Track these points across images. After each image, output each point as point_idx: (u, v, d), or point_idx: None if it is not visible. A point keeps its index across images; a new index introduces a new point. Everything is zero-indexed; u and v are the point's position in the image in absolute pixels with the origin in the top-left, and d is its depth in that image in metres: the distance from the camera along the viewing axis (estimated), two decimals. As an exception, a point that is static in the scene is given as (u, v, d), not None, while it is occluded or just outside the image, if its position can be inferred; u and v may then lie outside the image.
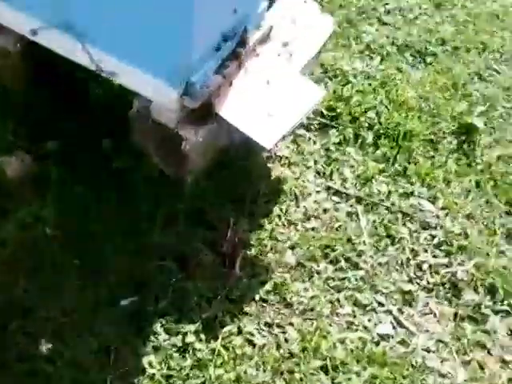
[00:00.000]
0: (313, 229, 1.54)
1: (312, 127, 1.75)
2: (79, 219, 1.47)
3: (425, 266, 1.52)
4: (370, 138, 1.75)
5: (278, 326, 1.37)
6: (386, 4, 2.13)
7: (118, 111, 1.53)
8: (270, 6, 1.59)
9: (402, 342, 1.38)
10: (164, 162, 1.50)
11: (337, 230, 1.55)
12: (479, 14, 2.20)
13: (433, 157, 1.76)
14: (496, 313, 1.46)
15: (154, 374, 1.26)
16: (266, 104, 1.40)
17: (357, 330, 1.38)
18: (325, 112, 1.76)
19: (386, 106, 1.83)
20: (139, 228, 1.47)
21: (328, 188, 1.64)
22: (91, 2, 1.29)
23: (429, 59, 2.01)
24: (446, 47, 2.06)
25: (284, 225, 1.55)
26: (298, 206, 1.59)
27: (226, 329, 1.33)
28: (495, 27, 2.16)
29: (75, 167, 1.54)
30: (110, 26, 1.29)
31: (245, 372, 1.28)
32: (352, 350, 1.34)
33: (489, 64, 2.04)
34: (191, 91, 1.32)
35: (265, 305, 1.40)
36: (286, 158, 1.67)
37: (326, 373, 1.30)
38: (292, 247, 1.50)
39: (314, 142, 1.73)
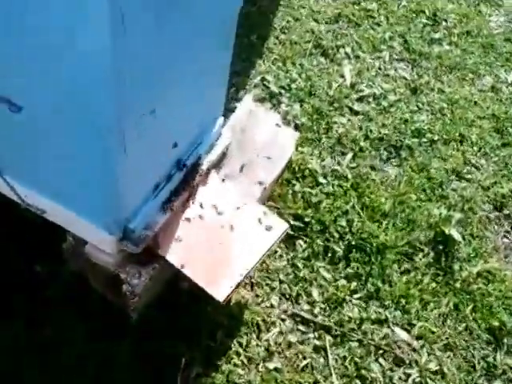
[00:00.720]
0: (276, 369, 1.37)
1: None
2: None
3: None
4: (340, 251, 1.60)
5: None
6: (359, 91, 1.99)
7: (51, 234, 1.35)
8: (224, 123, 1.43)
9: None
10: (105, 293, 1.32)
11: (303, 370, 1.38)
12: (457, 99, 2.07)
13: (408, 272, 1.62)
14: None
15: None
16: (219, 247, 1.24)
17: None
18: (292, 222, 1.61)
19: (359, 213, 1.68)
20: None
21: (294, 315, 1.48)
22: (10, 138, 1.11)
23: (404, 154, 1.87)
24: (423, 139, 1.92)
25: (243, 364, 1.37)
26: (260, 339, 1.41)
27: None
28: (473, 115, 2.04)
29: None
30: (33, 162, 1.11)
31: None
32: None
33: (467, 159, 1.92)
34: (131, 236, 1.16)
35: None
36: (250, 277, 1.51)
37: None
38: (252, 393, 1.33)
39: (281, 257, 1.57)
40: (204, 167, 1.30)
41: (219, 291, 1.17)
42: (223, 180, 1.32)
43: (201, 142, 1.30)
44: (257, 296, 1.47)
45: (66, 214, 1.16)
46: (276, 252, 1.56)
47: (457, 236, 1.64)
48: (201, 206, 1.28)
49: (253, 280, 1.49)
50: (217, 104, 1.33)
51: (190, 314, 1.39)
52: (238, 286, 1.21)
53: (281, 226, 1.29)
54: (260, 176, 1.40)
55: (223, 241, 1.25)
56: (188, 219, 1.26)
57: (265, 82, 1.91)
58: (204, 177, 1.30)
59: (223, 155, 1.38)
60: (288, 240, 1.59)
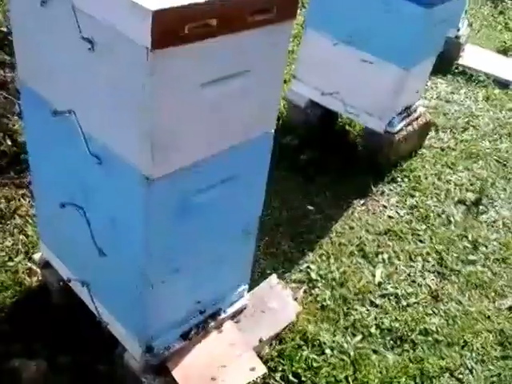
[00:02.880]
0: None
1: (277, 392, 2.00)
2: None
3: None
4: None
5: None
6: (384, 289, 2.41)
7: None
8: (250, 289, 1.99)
9: None
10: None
11: None
12: (471, 312, 2.37)
13: None
14: None
15: None
16: (211, 371, 1.71)
17: None
18: (291, 378, 2.02)
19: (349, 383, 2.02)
20: None
21: None
22: (96, 268, 1.79)
23: (407, 346, 2.20)
24: (428, 338, 2.24)
25: None
26: None
27: None
28: (483, 327, 2.30)
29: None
30: (105, 287, 1.76)
31: None
32: None
33: (464, 362, 2.16)
34: (152, 351, 1.70)
35: None
36: (244, 409, 1.92)
37: None
38: None
39: (274, 403, 1.96)
40: (222, 316, 1.84)
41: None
42: (235, 324, 1.84)
43: (223, 299, 1.85)
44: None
45: (117, 327, 1.76)
46: (273, 398, 1.96)
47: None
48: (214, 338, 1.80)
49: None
50: (240, 277, 1.90)
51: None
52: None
53: (261, 370, 1.74)
54: (261, 333, 1.89)
55: (220, 369, 1.72)
56: (200, 345, 1.78)
57: (308, 270, 2.44)
58: (220, 322, 1.83)
59: (240, 311, 1.91)
60: (286, 395, 1.98)
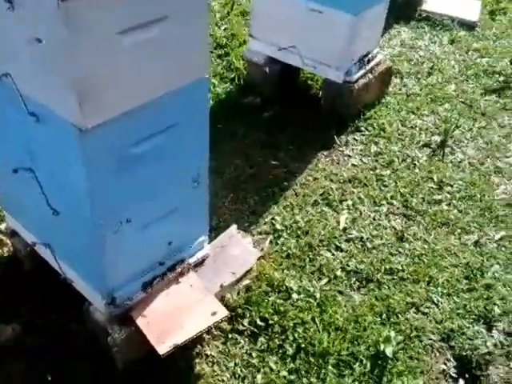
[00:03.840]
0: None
1: (245, 333, 2.07)
2: None
3: None
4: (291, 350, 2.02)
5: None
6: (349, 234, 2.48)
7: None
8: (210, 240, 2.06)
9: None
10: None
11: (228, 429, 1.79)
12: (437, 249, 2.45)
13: (343, 376, 1.96)
14: None
15: None
16: (177, 318, 1.78)
17: None
18: (258, 322, 2.09)
19: (316, 324, 2.10)
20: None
21: (237, 391, 1.91)
22: (54, 228, 1.84)
23: (372, 286, 2.28)
24: (394, 277, 2.32)
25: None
26: (206, 403, 1.87)
27: None
28: (448, 263, 2.38)
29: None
30: (65, 245, 1.81)
31: None
32: None
33: (430, 297, 2.25)
34: (115, 302, 1.76)
35: None
36: (213, 356, 1.99)
37: None
38: None
39: (242, 346, 2.03)
40: (183, 266, 1.90)
41: (162, 348, 1.70)
42: (195, 273, 1.91)
43: (182, 250, 1.91)
44: (213, 371, 1.94)
45: (81, 283, 1.82)
46: (239, 342, 2.03)
47: (389, 353, 1.96)
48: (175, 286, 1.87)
49: (214, 358, 1.97)
50: (197, 229, 1.96)
51: (165, 376, 1.90)
52: (176, 347, 1.73)
53: (222, 313, 1.81)
54: (222, 279, 1.96)
55: (182, 315, 1.79)
56: (162, 294, 1.85)
57: (273, 221, 2.51)
58: (182, 272, 1.90)
59: (202, 261, 1.97)
60: (252, 335, 2.06)
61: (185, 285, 1.87)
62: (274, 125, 3.14)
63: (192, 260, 1.93)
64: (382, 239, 2.48)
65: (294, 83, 3.44)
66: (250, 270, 2.12)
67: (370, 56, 3.24)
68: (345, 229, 2.51)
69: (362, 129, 3.15)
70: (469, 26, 4.40)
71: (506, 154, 3.05)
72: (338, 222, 2.54)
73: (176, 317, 1.78)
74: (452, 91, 3.59)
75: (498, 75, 3.77)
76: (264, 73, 3.34)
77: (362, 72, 3.16)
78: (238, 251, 2.06)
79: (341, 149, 3.03)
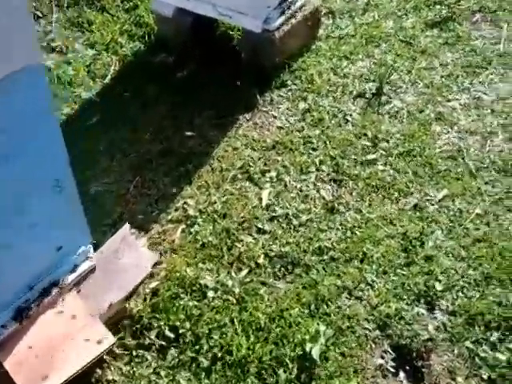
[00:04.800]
0: None
1: (153, 347, 1.81)
2: None
3: None
4: (205, 362, 1.77)
5: None
6: (273, 211, 2.20)
7: None
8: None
9: None
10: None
11: None
12: (372, 218, 2.18)
13: (267, 385, 1.73)
14: None
15: None
16: (50, 353, 1.50)
17: None
18: (167, 333, 1.82)
19: (235, 327, 1.84)
20: None
21: (142, 418, 1.66)
22: None
23: (299, 271, 2.01)
24: (323, 257, 2.05)
25: None
26: None
27: None
28: (384, 234, 2.12)
29: None
30: None
31: None
32: None
33: (364, 277, 2.00)
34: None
35: None
36: (115, 381, 1.73)
37: None
38: None
39: (149, 365, 1.77)
40: (60, 287, 1.60)
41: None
42: (78, 293, 1.61)
43: (58, 267, 1.61)
44: (116, 398, 1.69)
45: None
46: (146, 360, 1.77)
47: (316, 355, 1.73)
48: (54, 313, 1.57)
49: (117, 384, 1.72)
50: (73, 239, 1.65)
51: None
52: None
53: (109, 340, 1.53)
54: (110, 297, 1.67)
55: (60, 348, 1.51)
56: (36, 324, 1.55)
57: (185, 206, 2.20)
58: (60, 294, 1.60)
59: (86, 276, 1.67)
60: (161, 350, 1.80)
61: (64, 311, 1.58)
62: (189, 87, 2.77)
63: (72, 277, 1.63)
64: (310, 213, 2.20)
65: (211, 36, 3.04)
66: (150, 276, 1.83)
67: (292, -2, 2.87)
68: (268, 206, 2.22)
69: (289, 83, 2.80)
70: (408, -49, 4.01)
71: (449, 96, 2.74)
72: (261, 199, 2.24)
73: (53, 352, 1.50)
74: (390, 29, 3.23)
75: (439, 5, 3.41)
76: (175, 26, 2.94)
77: (283, 18, 2.77)
78: (131, 258, 1.76)
79: (265, 109, 2.69)
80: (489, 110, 2.64)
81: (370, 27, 3.20)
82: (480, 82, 2.81)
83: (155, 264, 1.94)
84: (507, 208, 2.17)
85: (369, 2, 3.41)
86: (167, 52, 2.93)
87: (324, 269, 2.01)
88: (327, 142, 2.49)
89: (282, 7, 2.75)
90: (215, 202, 2.21)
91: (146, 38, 3.02)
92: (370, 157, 2.43)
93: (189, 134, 2.53)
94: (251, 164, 2.37)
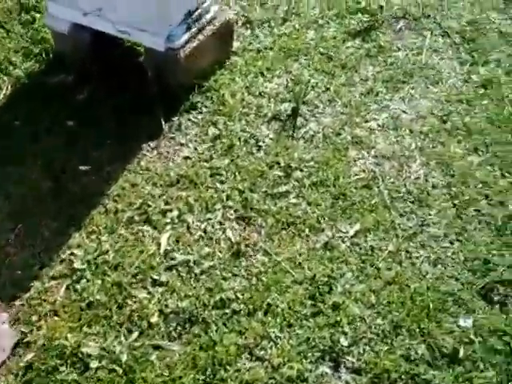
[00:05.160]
0: None
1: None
2: None
3: None
4: None
5: None
6: (172, 259, 1.99)
7: None
8: None
9: None
10: None
11: None
12: (279, 262, 1.99)
13: None
14: None
15: None
16: None
17: None
18: None
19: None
20: None
21: None
22: None
23: (197, 329, 1.81)
24: (225, 311, 1.85)
25: None
26: None
27: None
28: (291, 279, 1.93)
29: None
30: None
31: None
32: None
33: (267, 332, 1.80)
34: None
35: None
36: None
37: None
38: None
39: None
40: None
41: None
42: None
43: None
44: None
45: None
46: None
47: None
48: None
49: None
50: None
51: None
52: None
53: None
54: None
55: None
56: None
57: (71, 257, 1.97)
58: None
59: None
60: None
61: None
62: (87, 111, 2.50)
63: None
64: (213, 259, 2.00)
65: (115, 53, 2.79)
66: (26, 347, 1.60)
67: (199, 11, 2.62)
68: (166, 252, 2.00)
69: (199, 105, 2.57)
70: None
71: (367, 116, 2.58)
72: (159, 244, 2.02)
73: None
74: (310, 40, 3.03)
75: (362, 13, 3.24)
76: (73, 43, 2.67)
77: (188, 34, 2.55)
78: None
79: (171, 135, 2.46)
80: (407, 131, 2.49)
81: (290, 39, 3.00)
82: (400, 98, 2.67)
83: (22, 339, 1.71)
84: (421, 244, 2.04)
85: (289, 10, 3.22)
86: (66, 72, 2.66)
87: (225, 324, 1.82)
88: (236, 174, 2.29)
89: (187, 22, 2.53)
90: (107, 251, 1.98)
91: (44, 55, 2.74)
92: (282, 189, 2.24)
93: (83, 168, 2.28)
94: (151, 203, 2.14)
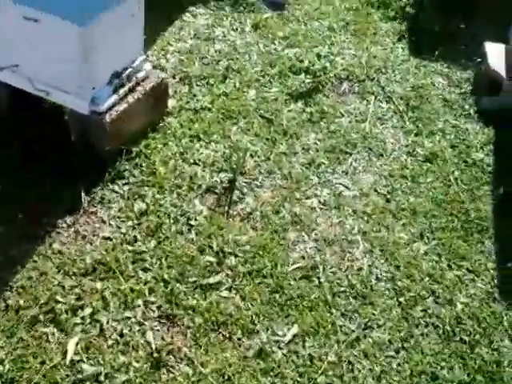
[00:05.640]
0: None
1: None
2: None
3: None
4: None
5: None
6: (79, 372, 1.65)
7: None
8: None
9: None
10: None
11: None
12: (205, 375, 1.71)
13: None
14: None
15: None
16: None
17: None
18: None
19: None
20: None
21: None
22: None
23: None
24: None
25: None
26: None
27: None
28: (219, 397, 1.70)
29: None
30: None
31: None
32: None
33: None
34: None
35: None
36: None
37: None
38: None
39: None
40: None
41: None
42: None
43: None
44: None
45: None
46: None
47: None
48: None
49: None
50: None
51: None
52: None
53: None
54: None
55: None
56: None
57: (-41, 370, 1.64)
58: None
59: None
60: None
61: None
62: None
63: None
64: (128, 371, 1.70)
65: (36, 111, 2.46)
66: None
67: (129, 71, 2.35)
68: (73, 363, 1.68)
69: (126, 174, 2.28)
70: (278, 5, 3.63)
71: (308, 192, 2.37)
72: (65, 352, 1.72)
73: None
74: (251, 100, 2.81)
75: (305, 73, 3.05)
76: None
77: (116, 97, 2.27)
78: None
79: (93, 210, 2.15)
80: (350, 211, 2.30)
81: (229, 99, 2.77)
82: (343, 172, 2.48)
83: None
84: (364, 352, 1.82)
85: (230, 65, 3.00)
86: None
87: None
88: (163, 260, 2.00)
89: (113, 84, 2.25)
90: (1, 361, 1.66)
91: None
92: (214, 279, 1.97)
93: (-13, 251, 1.96)
94: (60, 298, 1.81)
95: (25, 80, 2.19)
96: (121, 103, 2.27)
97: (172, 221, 2.14)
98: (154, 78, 2.45)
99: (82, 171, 2.23)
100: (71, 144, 2.30)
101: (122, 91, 2.27)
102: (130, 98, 2.32)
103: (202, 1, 3.44)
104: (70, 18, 1.92)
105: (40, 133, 2.33)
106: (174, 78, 2.86)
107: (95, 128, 2.22)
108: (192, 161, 2.42)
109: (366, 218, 2.27)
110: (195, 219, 2.17)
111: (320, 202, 2.33)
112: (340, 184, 2.42)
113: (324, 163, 2.51)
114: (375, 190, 2.41)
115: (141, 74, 2.38)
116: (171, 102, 2.67)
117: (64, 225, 2.07)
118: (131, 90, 2.33)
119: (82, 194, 2.15)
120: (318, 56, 3.09)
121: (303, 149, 2.59)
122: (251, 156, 2.49)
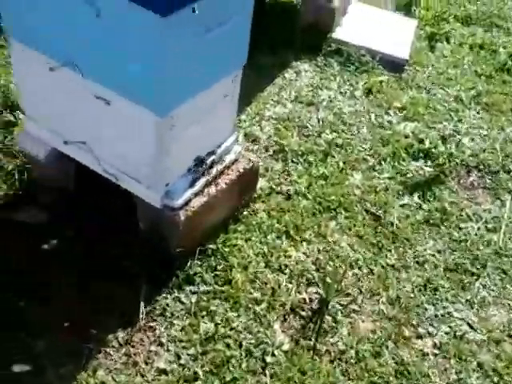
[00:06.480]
0: None
1: None
2: None
3: None
4: None
5: None
6: None
7: None
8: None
9: None
10: None
11: None
12: None
13: None
14: None
15: None
16: None
17: None
18: None
19: None
20: None
21: None
22: None
23: None
24: None
25: None
26: None
27: None
28: None
29: None
30: None
31: None
32: None
33: None
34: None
35: None
36: None
37: None
38: None
39: None
40: None
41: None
42: None
43: None
44: None
45: None
46: None
47: None
48: None
49: None
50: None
51: None
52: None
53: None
54: None
55: None
56: None
57: None
58: None
59: None
60: None
61: None
62: (52, 273, 1.84)
63: None
64: None
65: (105, 189, 2.13)
66: None
67: (214, 157, 1.94)
68: None
69: (197, 279, 1.85)
70: (396, 65, 3.10)
71: (419, 327, 1.81)
72: None
73: None
74: (355, 188, 2.29)
75: (424, 157, 2.51)
76: (52, 173, 2.02)
77: (197, 187, 1.86)
78: None
79: (152, 324, 1.73)
80: (474, 363, 1.70)
81: (329, 183, 2.28)
82: (467, 302, 1.89)
83: None
84: None
85: (335, 138, 2.52)
86: (38, 207, 2.02)
87: None
88: (226, 412, 1.57)
89: (193, 173, 1.84)
90: None
91: (17, 178, 2.10)
92: None
93: (19, 369, 1.60)
94: None
95: (92, 157, 1.86)
96: (200, 195, 1.88)
97: (244, 354, 1.68)
98: (244, 163, 2.03)
99: (146, 271, 1.85)
100: (137, 235, 1.94)
101: (202, 181, 1.87)
102: (212, 189, 1.91)
103: (309, 53, 3.00)
104: (147, 104, 1.54)
105: (104, 216, 1.99)
106: (266, 150, 2.43)
107: (167, 224, 1.83)
108: (277, 266, 1.95)
109: (496, 380, 1.69)
110: (272, 354, 1.69)
111: (435, 345, 1.78)
112: (463, 320, 1.85)
113: (443, 286, 1.94)
114: (510, 335, 1.82)
115: (228, 159, 1.97)
116: (261, 183, 2.24)
117: (115, 343, 1.67)
118: (215, 178, 1.93)
119: (141, 305, 1.75)
120: (443, 138, 2.54)
121: (417, 262, 2.03)
122: (350, 266, 1.98)
